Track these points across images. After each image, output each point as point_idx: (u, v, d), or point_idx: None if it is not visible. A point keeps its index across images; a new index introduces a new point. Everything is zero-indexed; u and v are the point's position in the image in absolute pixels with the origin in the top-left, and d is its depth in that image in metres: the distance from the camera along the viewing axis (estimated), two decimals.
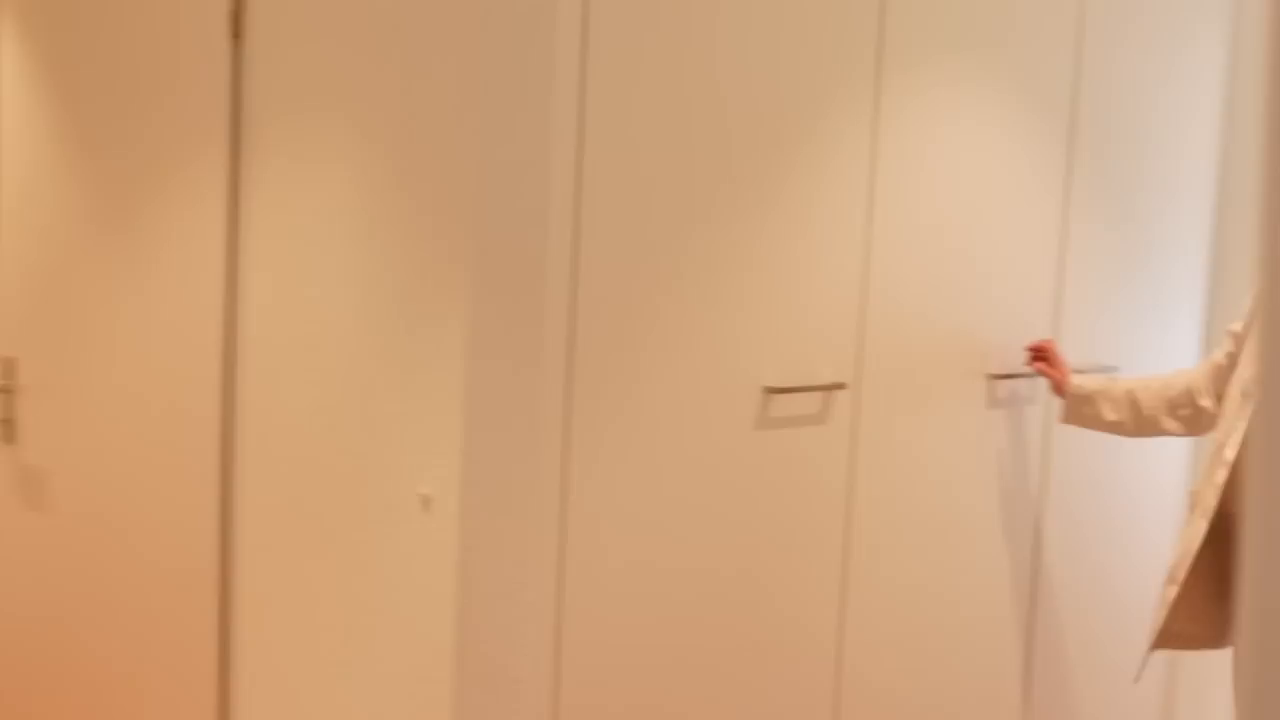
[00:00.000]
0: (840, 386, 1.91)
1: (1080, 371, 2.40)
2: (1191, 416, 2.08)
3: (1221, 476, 1.84)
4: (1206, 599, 1.91)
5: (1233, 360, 2.02)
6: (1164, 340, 2.67)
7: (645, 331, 1.64)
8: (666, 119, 1.63)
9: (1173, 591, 1.92)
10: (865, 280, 1.94)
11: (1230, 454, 1.84)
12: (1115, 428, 2.16)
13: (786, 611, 1.89)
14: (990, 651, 2.32)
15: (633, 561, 1.66)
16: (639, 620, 1.68)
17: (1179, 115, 2.60)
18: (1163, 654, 2.90)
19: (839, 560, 1.97)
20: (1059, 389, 2.20)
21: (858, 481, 1.98)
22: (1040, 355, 2.22)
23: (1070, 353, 2.39)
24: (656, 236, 1.63)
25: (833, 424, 1.93)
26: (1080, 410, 2.18)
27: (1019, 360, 2.28)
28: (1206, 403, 2.04)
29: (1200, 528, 1.87)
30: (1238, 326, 2.02)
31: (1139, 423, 2.13)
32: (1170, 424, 2.11)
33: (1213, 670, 3.25)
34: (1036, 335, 2.32)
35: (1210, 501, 1.86)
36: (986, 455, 2.24)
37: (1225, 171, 2.79)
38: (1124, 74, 2.42)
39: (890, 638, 2.09)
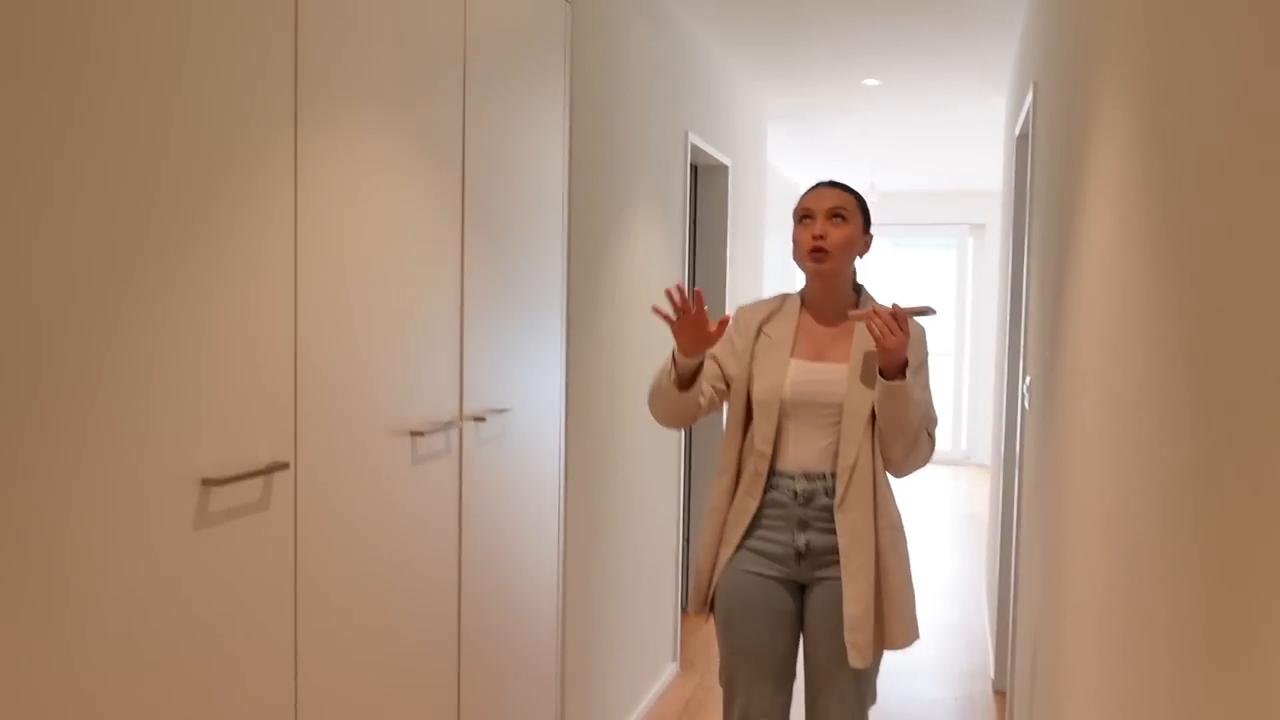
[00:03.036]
0: (283, 466, 1.72)
1: (479, 419, 2.46)
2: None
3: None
4: None
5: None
6: (541, 380, 2.85)
7: (48, 421, 1.30)
8: (54, 183, 1.32)
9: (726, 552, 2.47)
10: (294, 344, 1.78)
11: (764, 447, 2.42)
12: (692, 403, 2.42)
13: (241, 715, 1.66)
14: (431, 705, 2.28)
15: (54, 699, 1.32)
16: None
17: (536, 167, 2.79)
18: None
19: (289, 658, 1.78)
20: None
21: (301, 564, 1.81)
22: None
23: (471, 400, 2.44)
24: (48, 311, 1.31)
25: (275, 509, 1.73)
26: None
27: (440, 413, 2.28)
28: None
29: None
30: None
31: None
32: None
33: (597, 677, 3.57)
34: (448, 390, 2.33)
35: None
36: (413, 512, 2.19)
37: (571, 214, 3.07)
38: (495, 130, 2.54)
39: (348, 702, 1.94)
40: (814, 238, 2.40)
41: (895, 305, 2.27)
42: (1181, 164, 1.21)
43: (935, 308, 2.29)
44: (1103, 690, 1.57)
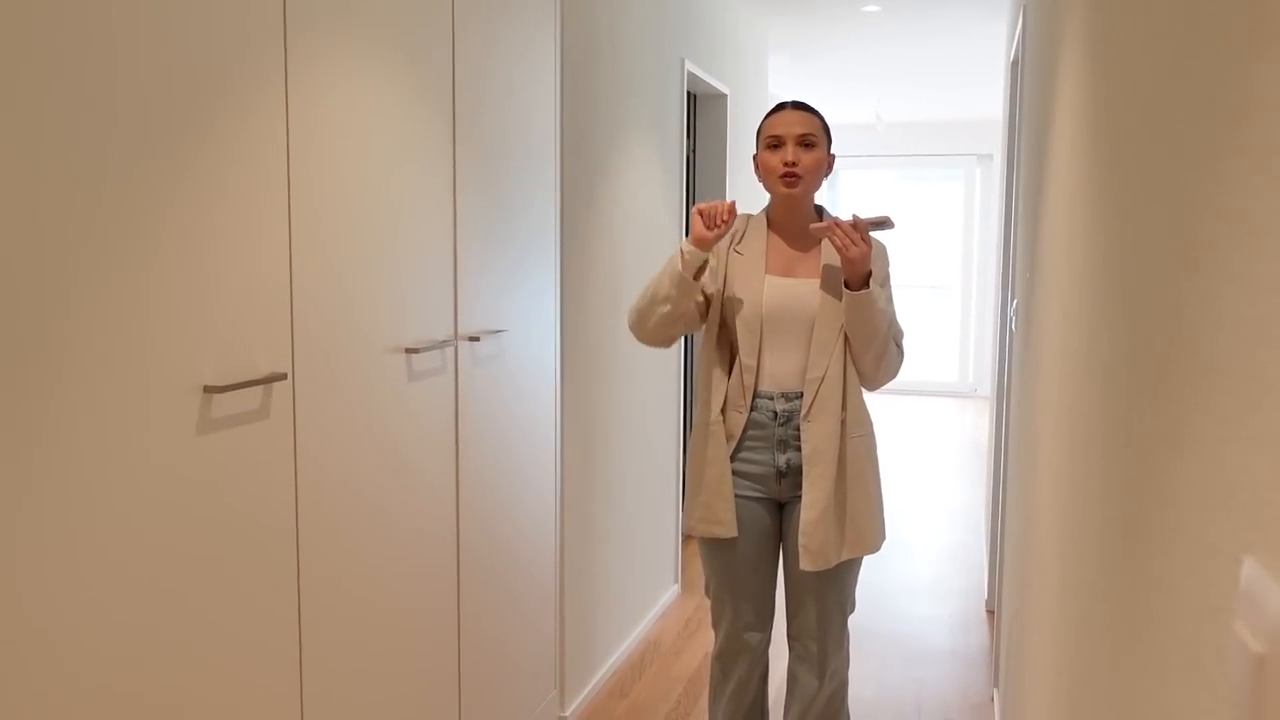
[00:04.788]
0: (281, 377, 1.81)
1: (475, 339, 2.55)
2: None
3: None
4: None
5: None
6: (536, 303, 2.94)
7: (52, 334, 1.39)
8: (53, 99, 1.40)
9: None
10: (289, 263, 1.86)
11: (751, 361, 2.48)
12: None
13: (245, 618, 1.77)
14: (431, 613, 2.40)
15: (65, 602, 1.43)
16: (68, 667, 1.46)
17: (528, 96, 2.85)
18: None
19: (292, 564, 1.89)
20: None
21: (301, 470, 1.91)
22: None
23: (466, 321, 2.53)
24: (51, 226, 1.39)
25: (274, 417, 1.83)
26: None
27: (435, 333, 2.37)
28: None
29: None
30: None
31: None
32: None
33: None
34: (444, 309, 2.42)
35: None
36: (410, 426, 2.29)
37: (564, 139, 3.13)
38: (485, 58, 2.59)
39: (348, 619, 2.06)
40: (786, 164, 2.46)
41: (855, 216, 2.35)
42: (1120, 76, 1.27)
43: (893, 220, 2.36)
44: (1054, 582, 1.66)
